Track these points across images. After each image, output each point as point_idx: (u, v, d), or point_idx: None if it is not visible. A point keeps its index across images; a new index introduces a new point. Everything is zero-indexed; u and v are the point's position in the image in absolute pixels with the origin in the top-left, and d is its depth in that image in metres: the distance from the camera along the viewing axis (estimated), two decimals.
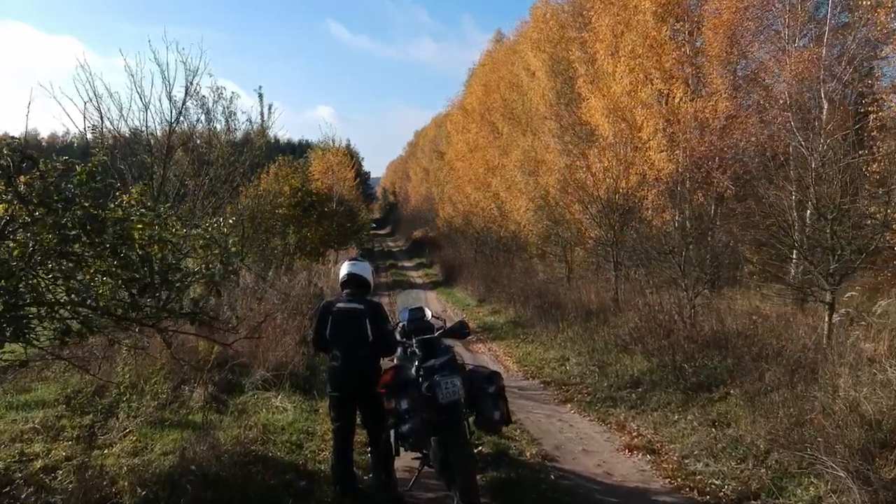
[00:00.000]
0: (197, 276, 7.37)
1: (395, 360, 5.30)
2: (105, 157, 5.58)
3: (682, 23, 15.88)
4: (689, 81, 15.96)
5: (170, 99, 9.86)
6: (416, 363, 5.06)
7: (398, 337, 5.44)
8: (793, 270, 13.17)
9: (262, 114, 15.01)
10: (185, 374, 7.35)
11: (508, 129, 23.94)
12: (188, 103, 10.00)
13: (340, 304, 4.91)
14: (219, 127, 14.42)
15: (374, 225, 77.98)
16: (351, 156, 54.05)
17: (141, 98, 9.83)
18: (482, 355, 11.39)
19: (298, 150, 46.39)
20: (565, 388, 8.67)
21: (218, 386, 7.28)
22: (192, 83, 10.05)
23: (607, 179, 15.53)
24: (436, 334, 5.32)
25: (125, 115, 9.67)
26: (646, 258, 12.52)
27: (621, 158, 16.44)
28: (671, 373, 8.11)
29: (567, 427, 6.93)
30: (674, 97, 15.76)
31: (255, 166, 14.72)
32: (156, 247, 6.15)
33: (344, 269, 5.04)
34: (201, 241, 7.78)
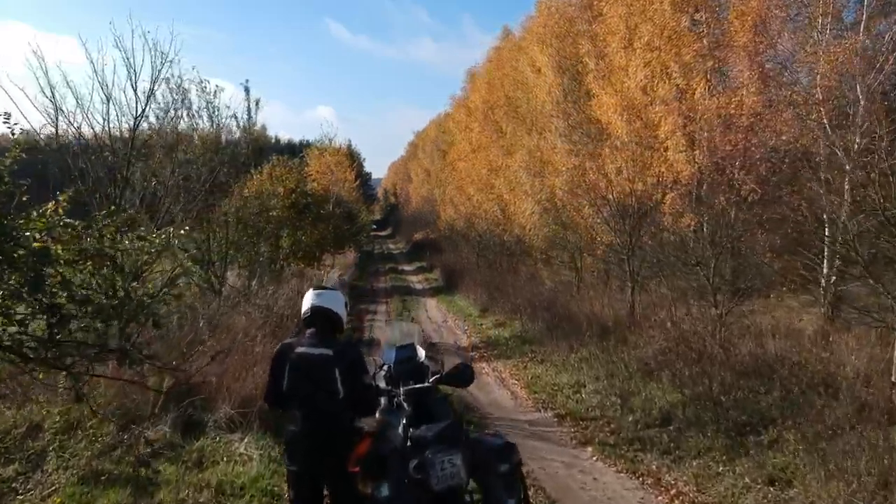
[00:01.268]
0: (154, 298, 6.28)
1: (377, 415, 4.06)
2: (17, 157, 4.42)
3: (702, 12, 14.70)
4: (710, 76, 14.80)
5: (135, 90, 8.71)
6: (404, 421, 3.88)
7: (382, 383, 4.22)
8: (823, 281, 12.02)
9: (248, 109, 13.82)
10: (134, 410, 6.18)
11: (513, 129, 22.77)
12: (158, 95, 8.81)
13: (301, 349, 3.65)
14: (201, 123, 13.31)
15: (375, 226, 76.92)
16: (352, 156, 53.06)
17: (103, 89, 8.68)
18: (486, 377, 10.22)
19: (298, 151, 45.23)
20: (583, 423, 7.49)
21: (173, 425, 6.10)
22: (160, 72, 8.90)
23: (620, 181, 14.36)
24: (430, 382, 4.11)
25: (85, 108, 8.53)
26: (667, 268, 11.32)
27: (636, 159, 15.29)
28: (708, 408, 6.93)
29: (591, 481, 5.75)
30: (693, 93, 14.59)
31: (241, 166, 13.54)
32: (90, 263, 4.99)
33: (307, 300, 3.80)
34: (146, 256, 6.66)
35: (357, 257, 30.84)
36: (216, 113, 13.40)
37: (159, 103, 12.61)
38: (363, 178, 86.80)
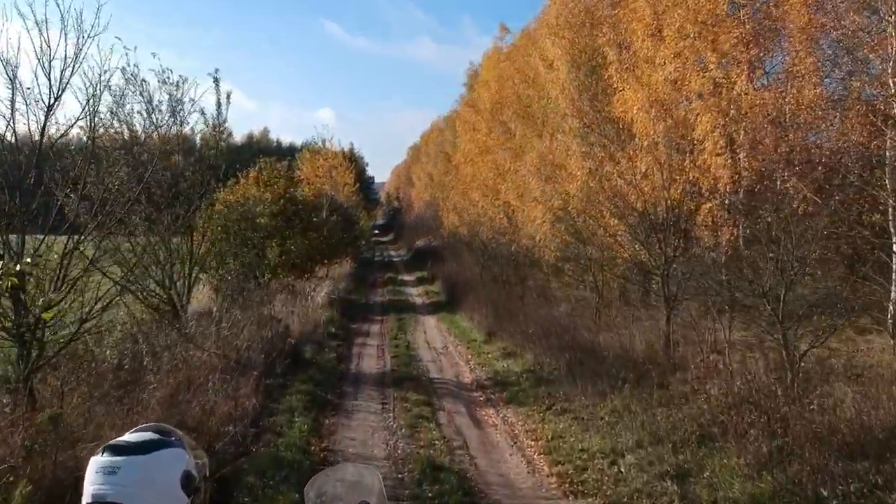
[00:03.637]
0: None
1: None
2: None
3: None
4: (753, 67, 12.80)
5: (48, 75, 6.73)
6: None
7: None
8: (892, 308, 10.00)
9: (217, 103, 11.86)
10: None
11: (522, 129, 20.78)
12: (75, 80, 6.84)
13: None
14: (162, 119, 11.36)
15: (377, 230, 75.04)
16: (352, 159, 51.15)
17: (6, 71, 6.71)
18: (494, 432, 8.23)
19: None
20: None
21: None
22: (81, 49, 6.93)
23: (648, 188, 12.41)
24: None
25: None
26: (715, 294, 9.30)
27: (665, 162, 13.32)
28: None
29: None
30: (734, 86, 12.58)
31: (209, 169, 11.61)
32: None
33: (88, 484, 1.69)
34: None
35: (353, 267, 28.83)
36: (180, 108, 11.43)
37: (114, 93, 10.82)
38: (365, 182, 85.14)
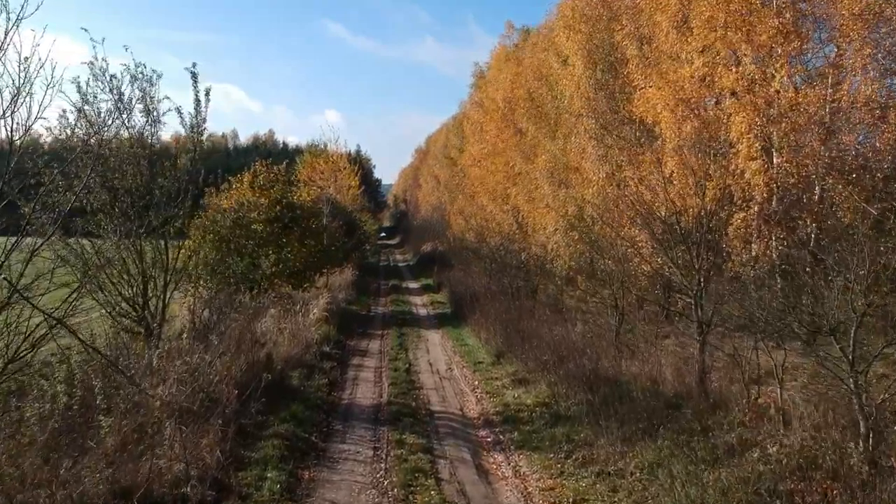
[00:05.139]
0: None
1: None
2: None
3: None
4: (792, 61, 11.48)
5: None
6: None
7: None
8: None
9: (196, 101, 10.62)
10: None
11: (534, 130, 19.47)
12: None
13: None
14: (134, 119, 10.18)
15: (384, 233, 73.83)
16: (358, 161, 49.93)
17: None
18: (503, 486, 6.96)
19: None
20: None
21: None
22: (7, 34, 5.72)
23: (674, 195, 11.10)
24: None
25: None
26: (764, 324, 7.97)
27: (698, 167, 12.06)
28: None
29: None
30: (771, 82, 11.26)
31: (183, 174, 10.39)
32: None
33: None
34: None
35: (356, 274, 27.56)
36: (153, 105, 10.24)
37: (82, 91, 9.67)
38: (372, 185, 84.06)
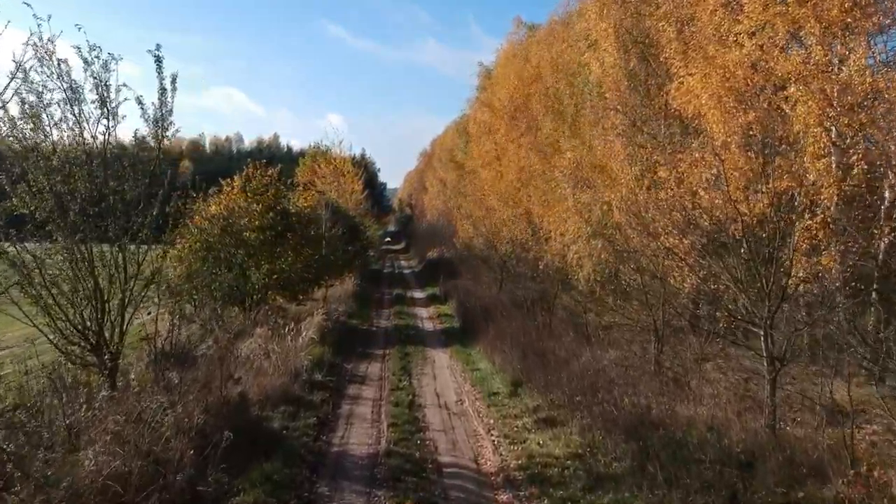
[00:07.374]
0: None
1: None
2: None
3: None
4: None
5: None
6: None
7: None
8: None
9: (160, 90, 8.91)
10: None
11: (552, 126, 17.68)
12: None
13: None
14: (86, 110, 8.53)
15: (389, 238, 72.14)
16: (361, 165, 48.22)
17: None
18: None
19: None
20: None
21: None
22: None
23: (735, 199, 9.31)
24: None
25: None
26: (861, 359, 6.18)
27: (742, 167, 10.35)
28: None
29: None
30: (847, 64, 9.47)
31: (147, 177, 8.71)
32: None
33: None
34: None
35: (357, 284, 25.81)
36: (109, 96, 8.58)
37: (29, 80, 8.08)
38: (377, 189, 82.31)
